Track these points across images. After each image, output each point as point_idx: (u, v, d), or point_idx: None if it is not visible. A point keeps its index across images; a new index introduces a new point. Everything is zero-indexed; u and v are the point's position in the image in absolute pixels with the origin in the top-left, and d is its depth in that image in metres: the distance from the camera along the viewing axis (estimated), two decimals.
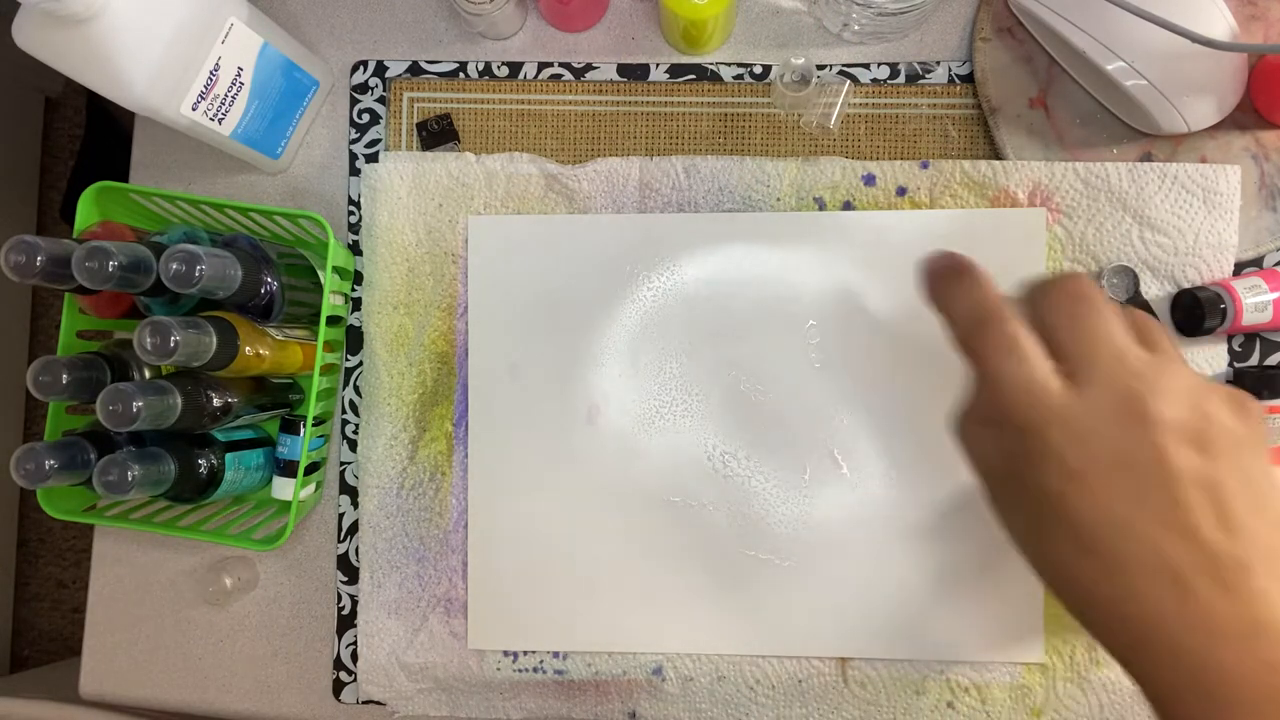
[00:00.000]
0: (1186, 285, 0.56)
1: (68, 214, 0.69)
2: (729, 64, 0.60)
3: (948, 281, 0.39)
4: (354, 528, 0.60)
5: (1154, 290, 0.56)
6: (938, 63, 0.60)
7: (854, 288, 0.57)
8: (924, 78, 0.60)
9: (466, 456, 0.58)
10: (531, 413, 0.58)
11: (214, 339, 0.49)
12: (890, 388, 0.57)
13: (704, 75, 0.60)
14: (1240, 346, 0.57)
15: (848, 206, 0.58)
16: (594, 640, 0.57)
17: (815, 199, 0.58)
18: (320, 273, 0.57)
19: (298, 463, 0.55)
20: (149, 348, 0.46)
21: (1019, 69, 0.58)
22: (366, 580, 0.58)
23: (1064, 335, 0.34)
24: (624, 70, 0.61)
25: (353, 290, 0.61)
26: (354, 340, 0.61)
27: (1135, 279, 0.55)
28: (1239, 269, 0.56)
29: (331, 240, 0.55)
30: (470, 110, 0.61)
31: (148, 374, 0.55)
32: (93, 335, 0.58)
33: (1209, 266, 0.56)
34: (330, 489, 0.61)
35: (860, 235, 0.57)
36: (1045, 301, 0.35)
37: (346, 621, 0.60)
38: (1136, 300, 0.55)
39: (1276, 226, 0.56)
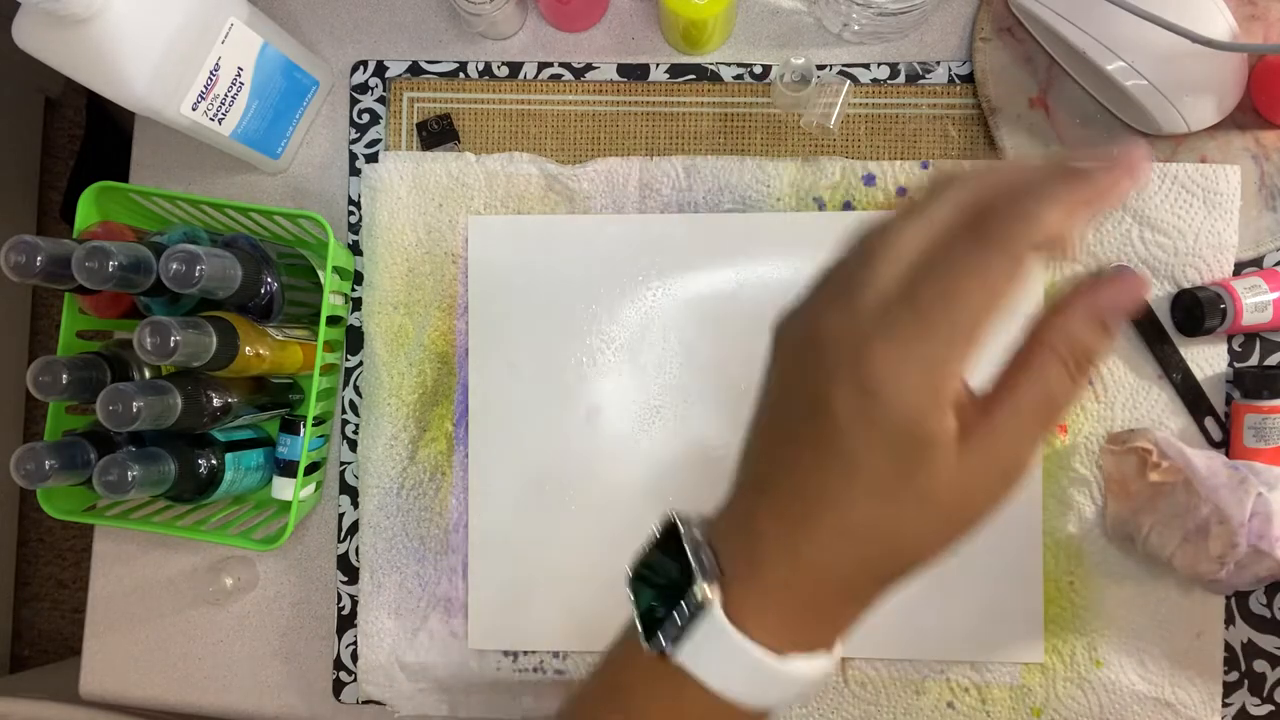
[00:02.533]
0: (1186, 285, 0.56)
1: (68, 214, 0.69)
2: (729, 64, 0.60)
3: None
4: (354, 528, 0.60)
5: (1154, 290, 0.56)
6: (938, 63, 0.60)
7: None
8: (924, 78, 0.60)
9: (466, 456, 0.58)
10: (531, 413, 0.58)
11: (214, 339, 0.49)
12: None
13: (704, 75, 0.60)
14: (1240, 346, 0.57)
15: (848, 206, 0.58)
16: (594, 640, 0.57)
17: (815, 199, 0.58)
18: (320, 273, 0.57)
19: (298, 463, 0.55)
20: (149, 348, 0.46)
21: (1019, 69, 0.58)
22: (366, 580, 0.58)
23: None
24: (624, 70, 0.61)
25: (353, 290, 0.61)
26: (354, 340, 0.61)
27: None
28: (1239, 269, 0.56)
29: (331, 240, 0.55)
30: (470, 110, 0.61)
31: (148, 374, 0.55)
32: (93, 335, 0.58)
33: (1209, 266, 0.56)
34: (330, 489, 0.61)
35: None
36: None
37: (346, 621, 0.60)
38: None
39: (1276, 226, 0.56)
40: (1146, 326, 0.56)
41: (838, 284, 0.27)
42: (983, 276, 0.24)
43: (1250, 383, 0.54)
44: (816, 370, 0.27)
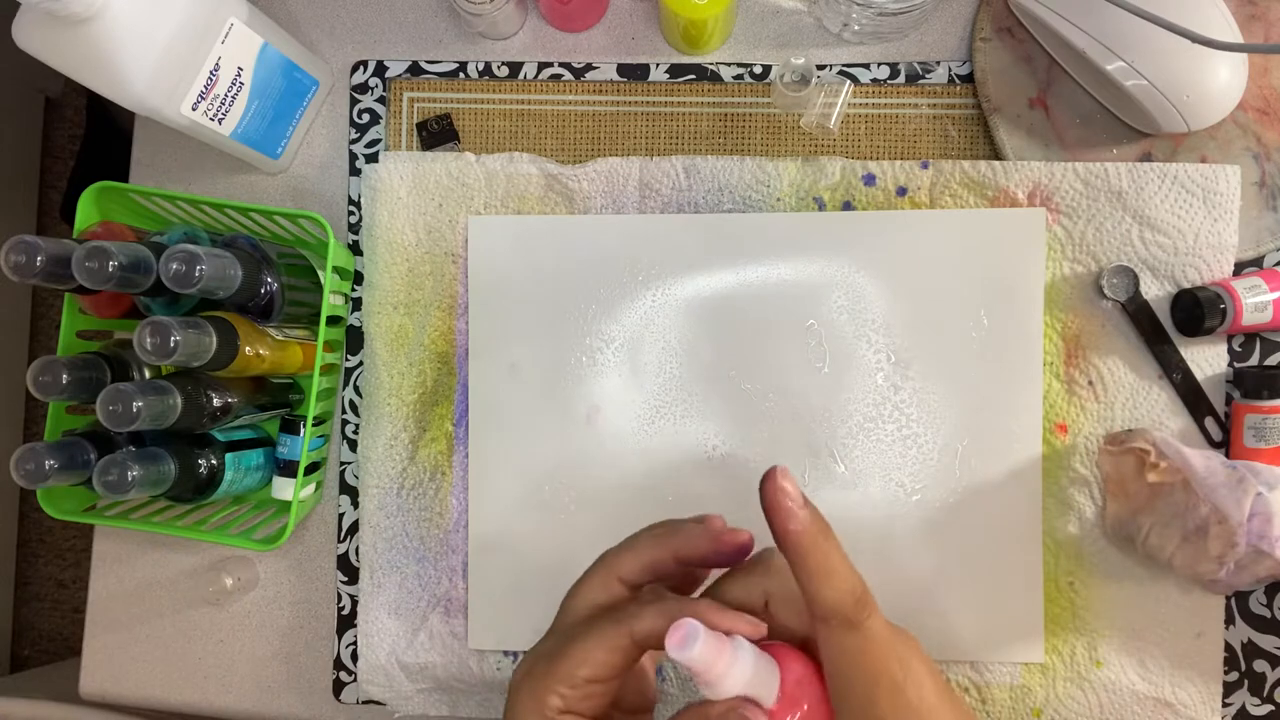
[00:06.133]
0: (1186, 285, 0.56)
1: (68, 214, 0.69)
2: (729, 64, 0.60)
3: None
4: (354, 528, 0.60)
5: (1154, 290, 0.56)
6: (938, 63, 0.60)
7: (854, 288, 0.57)
8: (924, 78, 0.60)
9: (466, 456, 0.58)
10: (531, 413, 0.58)
11: (214, 339, 0.49)
12: (889, 387, 0.57)
13: (704, 75, 0.60)
14: (1240, 346, 0.57)
15: (848, 206, 0.58)
16: None
17: (815, 199, 0.58)
18: (320, 273, 0.57)
19: (298, 463, 0.55)
20: (149, 348, 0.46)
21: (1019, 69, 0.58)
22: (366, 580, 0.58)
23: None
24: (624, 70, 0.61)
25: (353, 290, 0.61)
26: (354, 340, 0.61)
27: (1135, 279, 0.55)
28: (1239, 269, 0.56)
29: (331, 240, 0.55)
30: (470, 110, 0.61)
31: (148, 374, 0.55)
32: (93, 335, 0.58)
33: (1209, 266, 0.56)
34: (330, 489, 0.61)
35: (860, 235, 0.57)
36: None
37: (346, 621, 0.60)
38: (1136, 300, 0.55)
39: (1276, 226, 0.56)
40: (1146, 326, 0.56)
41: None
42: (585, 642, 0.33)
43: (1250, 383, 0.54)
44: None
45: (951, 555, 0.56)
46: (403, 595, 0.58)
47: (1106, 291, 0.55)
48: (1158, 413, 0.56)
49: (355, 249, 0.61)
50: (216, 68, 0.51)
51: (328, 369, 0.57)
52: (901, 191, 0.57)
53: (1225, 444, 0.56)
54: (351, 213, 0.62)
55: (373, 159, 0.61)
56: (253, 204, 0.55)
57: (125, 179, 0.63)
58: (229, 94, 0.53)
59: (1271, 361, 0.57)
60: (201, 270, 0.47)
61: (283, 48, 0.55)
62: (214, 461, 0.54)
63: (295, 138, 0.61)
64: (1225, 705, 0.55)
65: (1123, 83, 0.53)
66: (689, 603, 0.32)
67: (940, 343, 0.57)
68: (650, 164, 0.58)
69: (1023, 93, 0.58)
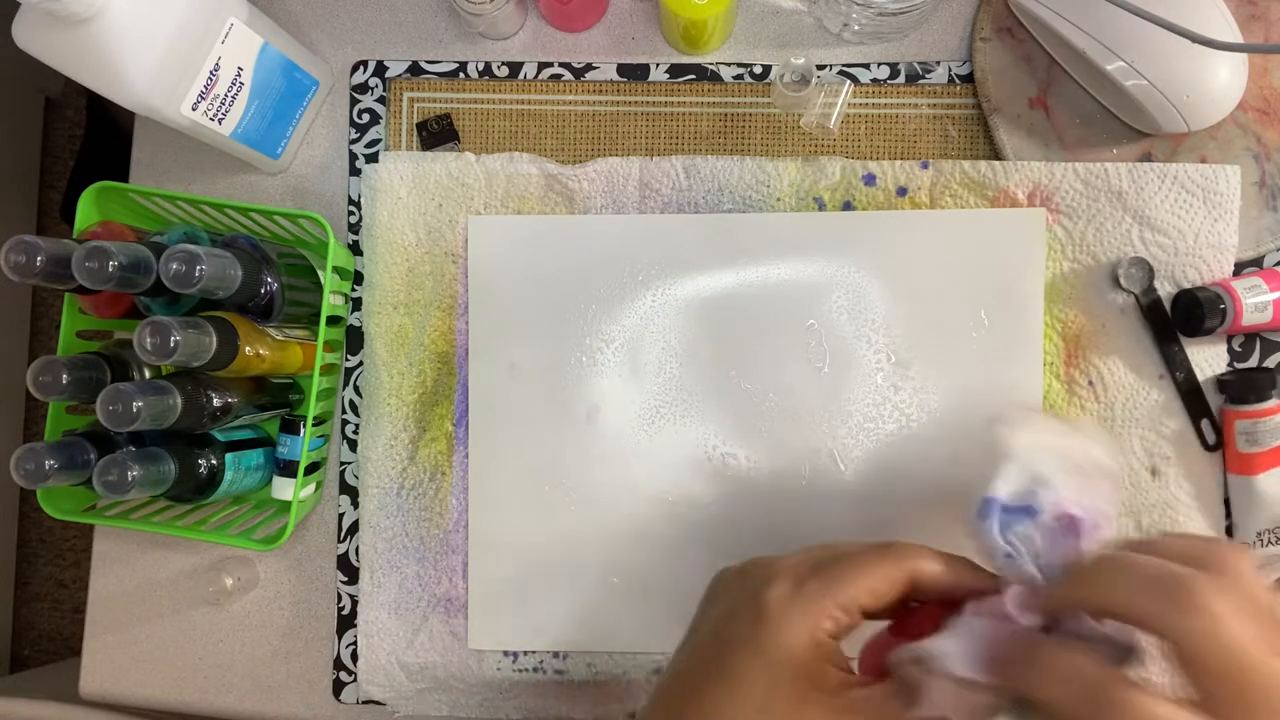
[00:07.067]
0: (1186, 285, 0.56)
1: (68, 214, 0.69)
2: (729, 64, 0.60)
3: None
4: (354, 528, 0.60)
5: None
6: (938, 63, 0.60)
7: (854, 288, 0.57)
8: (924, 78, 0.60)
9: (466, 456, 0.58)
10: (531, 413, 0.58)
11: (214, 339, 0.49)
12: (889, 387, 0.57)
13: (704, 75, 0.60)
14: (1240, 346, 0.57)
15: (848, 206, 0.58)
16: (594, 640, 0.57)
17: (815, 199, 0.58)
18: (320, 273, 0.57)
19: (298, 463, 0.55)
20: (149, 348, 0.46)
21: (1019, 69, 0.58)
22: (366, 580, 0.58)
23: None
24: (624, 70, 0.61)
25: (353, 290, 0.61)
26: (354, 340, 0.61)
27: (1151, 272, 0.55)
28: (1239, 269, 0.56)
29: (331, 240, 0.55)
30: (470, 110, 0.61)
31: (148, 374, 0.55)
32: (93, 335, 0.58)
33: (1209, 266, 0.56)
34: (330, 489, 0.61)
35: (860, 235, 0.57)
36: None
37: (346, 621, 0.60)
38: (1151, 293, 0.55)
39: (1276, 226, 0.56)
40: (1158, 321, 0.55)
41: (768, 558, 0.37)
42: (869, 570, 0.33)
43: (1235, 389, 0.54)
44: (725, 598, 0.36)
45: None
46: (403, 595, 0.58)
47: (1123, 283, 0.55)
48: (1157, 413, 0.56)
49: (355, 249, 0.61)
50: (216, 68, 0.51)
51: (328, 369, 0.57)
52: (901, 191, 0.57)
53: (1220, 446, 0.56)
54: (351, 213, 0.62)
55: (373, 159, 0.61)
56: (253, 204, 0.55)
57: (125, 179, 0.63)
58: (229, 94, 0.53)
59: (1271, 362, 0.57)
60: (201, 270, 0.47)
61: (283, 48, 0.55)
62: (214, 461, 0.54)
63: (295, 138, 0.61)
64: None
65: (1123, 83, 0.53)
66: (961, 560, 0.35)
67: (940, 343, 0.57)
68: (650, 164, 0.58)
69: (1023, 93, 0.58)
